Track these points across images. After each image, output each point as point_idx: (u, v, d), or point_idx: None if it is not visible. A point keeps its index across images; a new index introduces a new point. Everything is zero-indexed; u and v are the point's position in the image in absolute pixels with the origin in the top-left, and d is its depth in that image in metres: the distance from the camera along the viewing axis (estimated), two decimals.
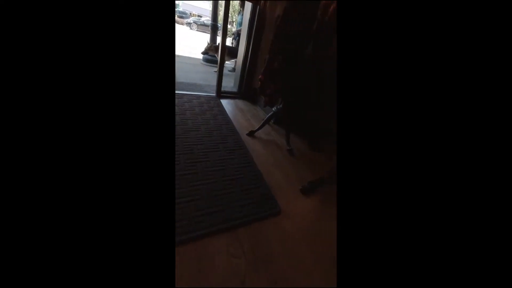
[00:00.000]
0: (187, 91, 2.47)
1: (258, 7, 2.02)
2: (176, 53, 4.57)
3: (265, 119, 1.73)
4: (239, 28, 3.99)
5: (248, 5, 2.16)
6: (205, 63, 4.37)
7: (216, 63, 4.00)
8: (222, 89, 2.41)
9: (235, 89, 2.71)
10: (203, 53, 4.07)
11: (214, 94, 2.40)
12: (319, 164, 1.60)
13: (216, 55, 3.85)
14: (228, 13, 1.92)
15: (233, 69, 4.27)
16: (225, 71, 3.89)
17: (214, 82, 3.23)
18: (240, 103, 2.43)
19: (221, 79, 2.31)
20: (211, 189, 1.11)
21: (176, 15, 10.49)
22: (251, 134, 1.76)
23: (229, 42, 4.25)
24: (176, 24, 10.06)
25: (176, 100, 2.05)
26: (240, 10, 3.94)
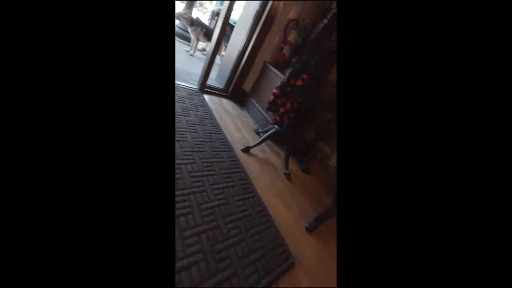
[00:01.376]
0: None
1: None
2: None
3: (264, 136, 1.52)
4: (219, 7, 3.47)
5: None
6: (177, 38, 3.62)
7: (189, 41, 3.41)
8: (200, 79, 1.98)
9: (218, 83, 2.32)
10: None
11: (195, 87, 1.96)
12: (314, 189, 1.55)
13: (188, 27, 3.16)
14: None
15: (204, 49, 3.72)
16: (196, 52, 3.34)
17: (188, 66, 2.79)
18: (227, 104, 2.09)
19: (209, 72, 1.89)
20: (212, 241, 0.82)
21: None
22: (246, 150, 1.51)
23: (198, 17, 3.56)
24: None
25: None
26: None
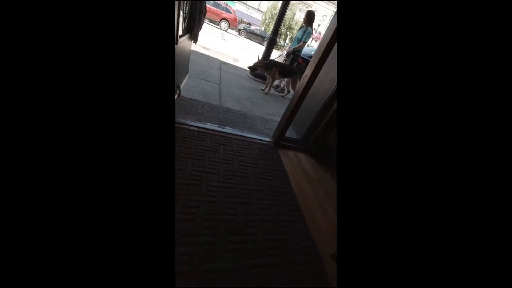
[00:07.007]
0: (235, 125, 1.83)
1: None
2: (223, 60, 4.05)
3: None
4: (295, 46, 3.29)
5: None
6: (252, 77, 3.74)
7: (265, 80, 3.39)
8: (277, 132, 1.63)
9: (295, 127, 1.93)
10: (251, 68, 3.38)
11: (270, 140, 1.66)
12: None
13: (265, 73, 3.17)
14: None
15: (278, 86, 3.63)
16: (271, 90, 3.23)
17: (263, 106, 2.66)
18: (305, 161, 1.65)
19: (288, 126, 1.55)
20: None
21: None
22: None
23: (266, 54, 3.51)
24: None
25: (225, 148, 1.33)
26: (303, 26, 3.22)
